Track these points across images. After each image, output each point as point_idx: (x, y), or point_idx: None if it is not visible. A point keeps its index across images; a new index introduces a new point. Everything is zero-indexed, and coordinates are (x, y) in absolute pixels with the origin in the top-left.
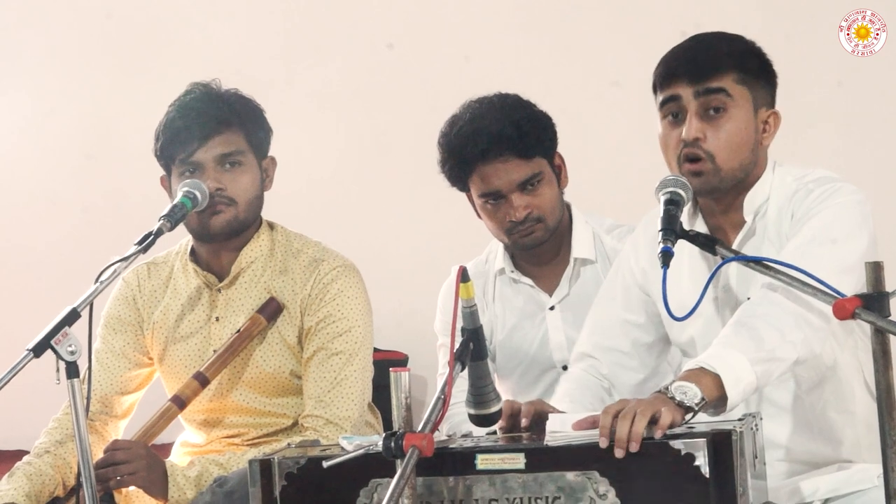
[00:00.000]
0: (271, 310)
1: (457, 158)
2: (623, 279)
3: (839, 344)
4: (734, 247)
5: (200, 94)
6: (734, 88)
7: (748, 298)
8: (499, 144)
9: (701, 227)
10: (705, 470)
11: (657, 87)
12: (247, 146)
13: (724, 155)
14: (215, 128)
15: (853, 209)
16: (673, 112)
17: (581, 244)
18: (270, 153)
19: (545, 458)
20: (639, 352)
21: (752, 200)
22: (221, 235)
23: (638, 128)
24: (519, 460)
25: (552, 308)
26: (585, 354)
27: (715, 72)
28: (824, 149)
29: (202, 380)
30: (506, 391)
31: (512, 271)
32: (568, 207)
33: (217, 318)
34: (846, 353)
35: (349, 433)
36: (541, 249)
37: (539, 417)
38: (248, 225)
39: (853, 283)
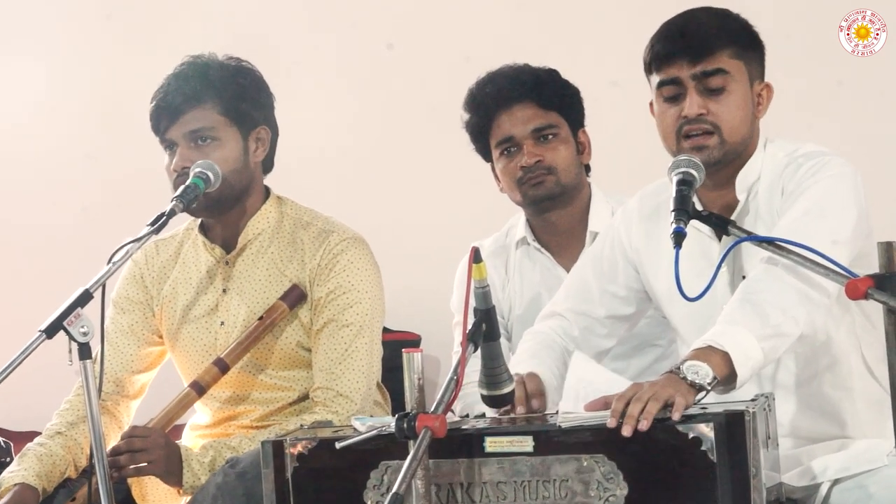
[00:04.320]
0: (294, 297)
1: (478, 106)
2: (611, 250)
3: (834, 321)
4: None
5: (181, 70)
6: (731, 64)
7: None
8: (517, 88)
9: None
10: (712, 455)
11: (652, 68)
12: (222, 120)
13: (729, 127)
14: (184, 104)
15: (843, 182)
16: (672, 94)
17: (599, 219)
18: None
19: (553, 442)
20: (612, 321)
21: (744, 179)
22: (199, 210)
23: (636, 127)
24: (527, 443)
25: None
26: (557, 314)
27: (711, 52)
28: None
29: (222, 366)
30: None
31: (533, 240)
32: (589, 185)
33: (224, 290)
34: (842, 330)
35: (358, 405)
36: (556, 216)
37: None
38: (228, 198)
39: (847, 256)
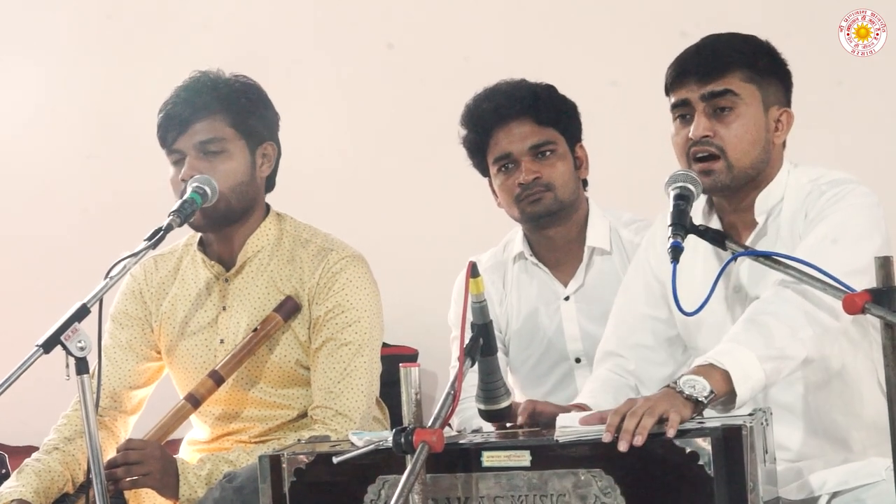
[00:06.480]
0: (288, 309)
1: (475, 122)
2: (644, 275)
3: (852, 345)
4: None
5: (190, 83)
6: (741, 87)
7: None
8: (514, 105)
9: (716, 225)
10: (710, 469)
11: (668, 89)
12: (231, 132)
13: (736, 151)
14: (194, 115)
15: (865, 211)
16: (683, 114)
17: (596, 234)
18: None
19: (551, 456)
20: (663, 346)
21: (764, 201)
22: (204, 224)
23: (636, 127)
24: (524, 458)
25: (567, 298)
26: (611, 353)
27: (721, 73)
28: (824, 149)
29: (217, 378)
30: (517, 383)
31: (531, 255)
32: (587, 200)
33: (224, 308)
34: (859, 354)
35: (358, 424)
36: (554, 232)
37: (536, 415)
38: (234, 212)
39: (865, 285)
